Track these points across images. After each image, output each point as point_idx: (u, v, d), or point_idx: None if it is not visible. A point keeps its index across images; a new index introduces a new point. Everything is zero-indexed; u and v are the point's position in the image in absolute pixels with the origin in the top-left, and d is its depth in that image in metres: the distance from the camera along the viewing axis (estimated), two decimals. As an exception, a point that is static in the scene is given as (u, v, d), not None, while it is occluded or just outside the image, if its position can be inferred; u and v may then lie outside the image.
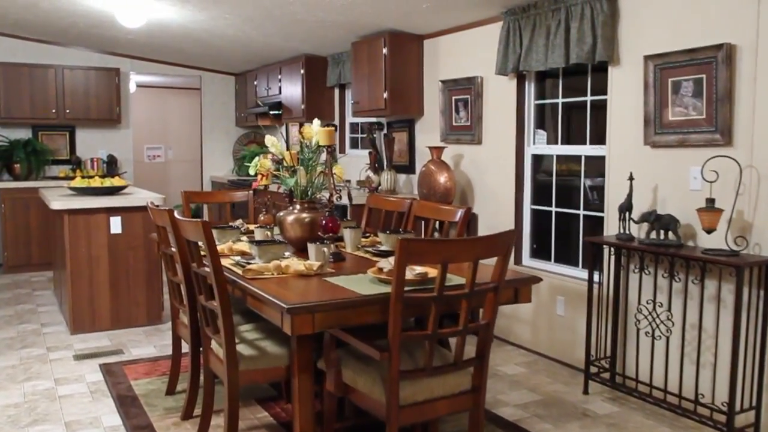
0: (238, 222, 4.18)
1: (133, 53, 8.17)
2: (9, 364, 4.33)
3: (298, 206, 3.43)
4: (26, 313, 5.64)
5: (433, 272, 2.69)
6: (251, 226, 4.17)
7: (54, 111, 7.64)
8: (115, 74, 7.93)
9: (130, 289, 5.15)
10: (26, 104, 7.51)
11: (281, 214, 3.46)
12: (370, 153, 6.15)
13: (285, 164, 3.45)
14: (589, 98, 4.32)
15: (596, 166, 4.29)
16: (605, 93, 4.05)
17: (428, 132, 5.67)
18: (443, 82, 5.37)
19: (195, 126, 10.74)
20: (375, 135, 6.21)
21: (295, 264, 2.84)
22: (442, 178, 5.05)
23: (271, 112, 7.64)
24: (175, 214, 3.05)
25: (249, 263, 2.94)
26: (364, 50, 5.81)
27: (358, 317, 2.47)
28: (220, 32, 6.35)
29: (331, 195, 3.18)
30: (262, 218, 3.89)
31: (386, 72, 5.52)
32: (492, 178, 4.99)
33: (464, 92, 5.16)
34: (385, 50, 5.52)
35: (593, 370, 3.91)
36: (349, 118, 7.05)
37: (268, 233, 3.44)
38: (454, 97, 5.28)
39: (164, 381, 3.92)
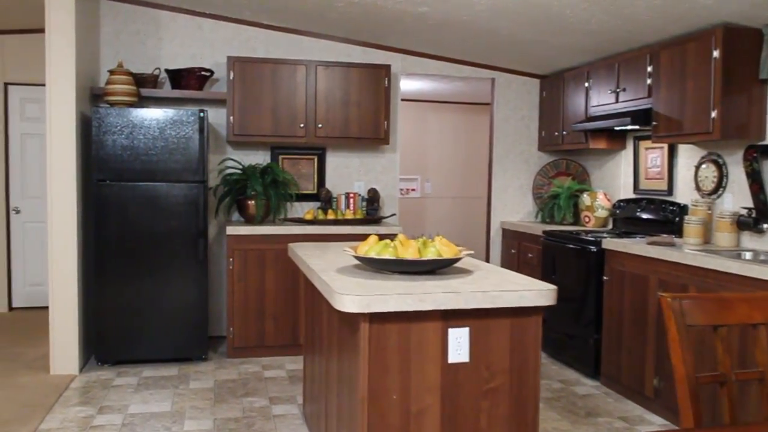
0: None
1: (407, 46, 5.72)
2: None
3: None
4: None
5: None
6: None
7: (302, 126, 5.36)
8: (385, 74, 5.51)
9: (477, 477, 2.47)
10: (267, 116, 5.29)
11: None
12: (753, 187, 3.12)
13: None
14: None
15: None
16: None
17: None
18: None
19: (461, 151, 8.24)
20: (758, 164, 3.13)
21: None
22: None
23: (628, 127, 4.76)
24: None
25: None
26: None
27: None
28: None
29: None
30: None
31: None
32: None
33: None
34: None
35: None
36: (799, 136, 3.97)
37: None
38: None
39: None
